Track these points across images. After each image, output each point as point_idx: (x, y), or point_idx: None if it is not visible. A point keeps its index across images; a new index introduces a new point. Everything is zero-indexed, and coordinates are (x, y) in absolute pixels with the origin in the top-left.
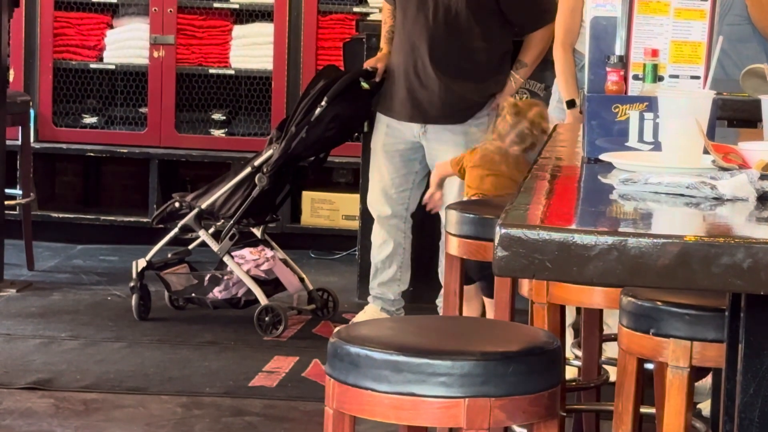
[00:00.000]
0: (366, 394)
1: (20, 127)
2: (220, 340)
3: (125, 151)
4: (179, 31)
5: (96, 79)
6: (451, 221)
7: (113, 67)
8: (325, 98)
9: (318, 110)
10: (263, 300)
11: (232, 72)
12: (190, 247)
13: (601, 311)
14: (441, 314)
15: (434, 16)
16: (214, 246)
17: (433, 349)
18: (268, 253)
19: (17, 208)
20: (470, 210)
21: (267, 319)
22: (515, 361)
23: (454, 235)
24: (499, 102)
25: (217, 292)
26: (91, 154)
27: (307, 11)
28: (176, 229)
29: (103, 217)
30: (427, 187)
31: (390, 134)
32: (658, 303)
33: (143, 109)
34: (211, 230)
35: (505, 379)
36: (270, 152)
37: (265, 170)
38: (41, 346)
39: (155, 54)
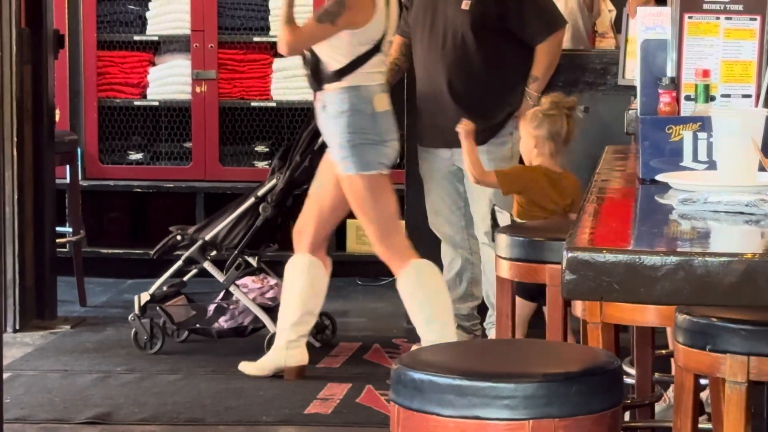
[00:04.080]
0: (431, 419)
1: (68, 166)
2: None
3: (171, 185)
4: (220, 65)
5: (140, 115)
6: (501, 244)
7: (157, 103)
8: None
9: (320, 139)
10: (272, 327)
11: (273, 104)
12: (186, 278)
13: (652, 329)
14: (490, 336)
15: (444, 43)
16: (220, 276)
17: (496, 373)
18: (271, 280)
19: (68, 245)
20: (521, 233)
21: None
22: (577, 382)
23: (505, 258)
24: (519, 118)
25: (223, 322)
26: (138, 190)
27: None
28: (180, 262)
29: (151, 251)
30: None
31: (427, 160)
32: (714, 319)
33: (187, 144)
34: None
35: (569, 399)
36: (273, 182)
37: (269, 200)
38: (98, 380)
39: (198, 89)
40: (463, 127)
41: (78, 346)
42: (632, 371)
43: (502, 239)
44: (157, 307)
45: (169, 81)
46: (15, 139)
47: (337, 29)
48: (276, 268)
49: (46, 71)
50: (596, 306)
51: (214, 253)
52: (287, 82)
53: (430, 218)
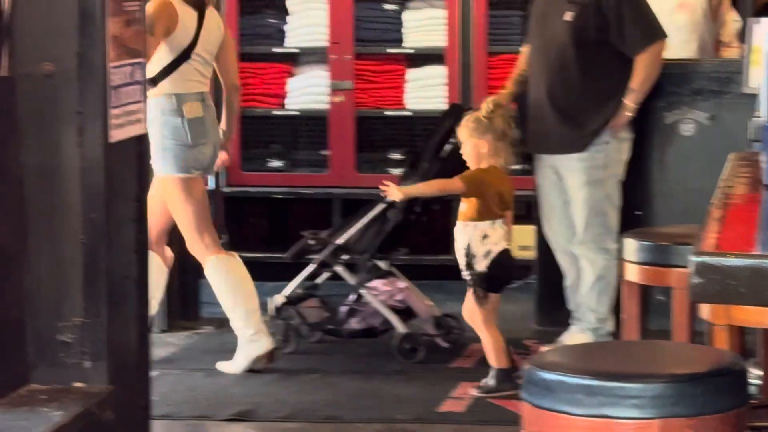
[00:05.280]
0: (561, 417)
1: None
2: (406, 369)
3: (309, 192)
4: (357, 76)
5: (280, 124)
6: (629, 249)
7: (296, 113)
8: (455, 135)
9: (448, 146)
10: (401, 329)
11: (407, 113)
12: (319, 281)
13: None
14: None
15: (548, 53)
16: (351, 279)
17: (624, 373)
18: (400, 283)
19: None
20: (648, 238)
21: (407, 346)
22: (704, 382)
23: (632, 262)
24: (614, 128)
25: (354, 323)
26: (278, 196)
27: (477, 53)
28: (314, 265)
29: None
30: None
31: (538, 166)
32: None
33: (325, 152)
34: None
35: (696, 399)
36: None
37: (398, 205)
38: (240, 379)
39: (335, 99)
40: (388, 189)
41: (221, 346)
42: (758, 372)
43: (630, 244)
44: (291, 309)
45: (308, 91)
46: None
47: (157, 40)
48: (406, 271)
49: None
50: (722, 308)
51: (345, 256)
52: (420, 91)
53: (543, 225)
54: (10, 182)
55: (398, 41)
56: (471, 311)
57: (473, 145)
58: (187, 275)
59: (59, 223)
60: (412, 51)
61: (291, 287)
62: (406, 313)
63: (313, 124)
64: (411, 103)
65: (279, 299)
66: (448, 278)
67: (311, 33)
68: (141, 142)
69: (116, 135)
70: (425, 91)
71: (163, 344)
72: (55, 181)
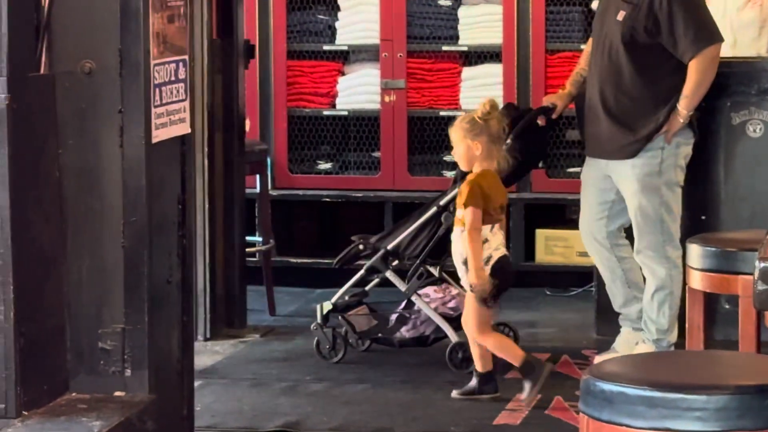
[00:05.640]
0: (621, 430)
1: (258, 176)
2: (459, 380)
3: (360, 195)
4: (409, 75)
5: (329, 125)
6: (693, 255)
7: (346, 113)
8: (511, 136)
9: (503, 147)
10: (454, 337)
11: (462, 113)
12: (368, 287)
13: None
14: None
15: (602, 56)
16: (402, 286)
17: (686, 384)
18: (453, 290)
19: (257, 255)
20: (713, 244)
21: (459, 355)
22: None
23: (696, 269)
24: (667, 135)
25: (405, 331)
26: (327, 200)
27: (535, 50)
28: (362, 271)
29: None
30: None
31: (587, 167)
32: None
33: (376, 153)
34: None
35: (762, 412)
36: (455, 191)
37: (451, 209)
38: (287, 389)
39: (386, 98)
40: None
41: (267, 355)
42: None
43: (694, 250)
44: (339, 317)
45: (358, 90)
46: (206, 148)
47: None
48: (457, 278)
49: (237, 81)
50: None
51: (396, 262)
52: (476, 90)
53: (580, 224)
54: (49, 184)
55: (453, 38)
56: (465, 317)
57: (466, 146)
58: (233, 282)
59: (100, 226)
60: (467, 48)
61: (339, 294)
62: (458, 321)
63: (363, 124)
64: (466, 103)
65: (326, 306)
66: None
67: (362, 30)
68: (184, 143)
69: (159, 135)
70: (481, 90)
71: (208, 352)
72: (96, 183)
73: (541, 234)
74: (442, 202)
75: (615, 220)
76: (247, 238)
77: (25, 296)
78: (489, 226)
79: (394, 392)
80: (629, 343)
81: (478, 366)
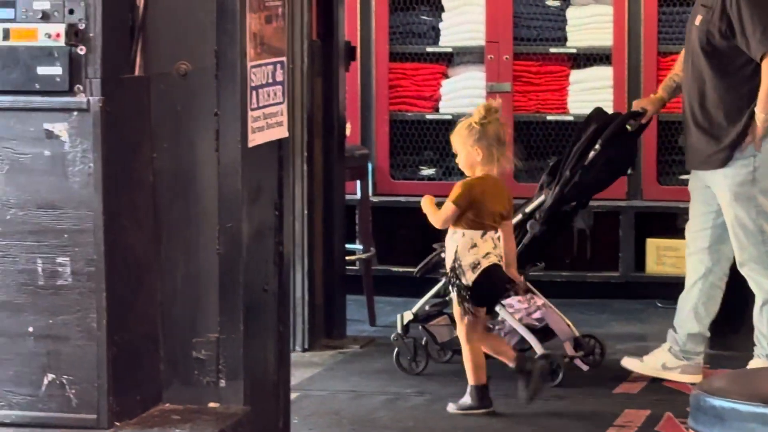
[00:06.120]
0: None
1: (358, 181)
2: (568, 394)
3: None
4: (515, 78)
5: (432, 129)
6: None
7: (450, 117)
8: (599, 141)
9: (592, 154)
10: (539, 349)
11: (570, 118)
12: (450, 297)
13: None
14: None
15: (687, 63)
16: None
17: None
18: (538, 300)
19: (357, 263)
20: None
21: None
22: None
23: None
24: (752, 141)
25: None
26: None
27: (647, 53)
28: (444, 280)
29: (441, 270)
30: None
31: (692, 176)
32: None
33: None
34: None
35: None
36: (542, 198)
37: (537, 216)
38: (387, 402)
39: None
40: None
41: (367, 366)
42: None
43: None
44: (420, 327)
45: (463, 94)
46: (305, 153)
47: None
48: (542, 287)
49: (337, 84)
50: None
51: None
52: (584, 94)
53: (686, 233)
54: (143, 189)
55: (561, 40)
56: (457, 323)
57: (467, 153)
58: (332, 291)
59: (194, 232)
60: (575, 51)
61: (420, 304)
62: (542, 332)
63: None
64: (574, 107)
65: (407, 316)
66: (586, 296)
67: (467, 31)
68: (281, 147)
69: (255, 138)
70: (590, 94)
71: (306, 364)
72: (191, 188)
73: (651, 243)
74: (528, 210)
75: (719, 230)
76: (347, 246)
77: (117, 304)
78: (480, 232)
79: (496, 405)
80: (659, 360)
81: (471, 379)
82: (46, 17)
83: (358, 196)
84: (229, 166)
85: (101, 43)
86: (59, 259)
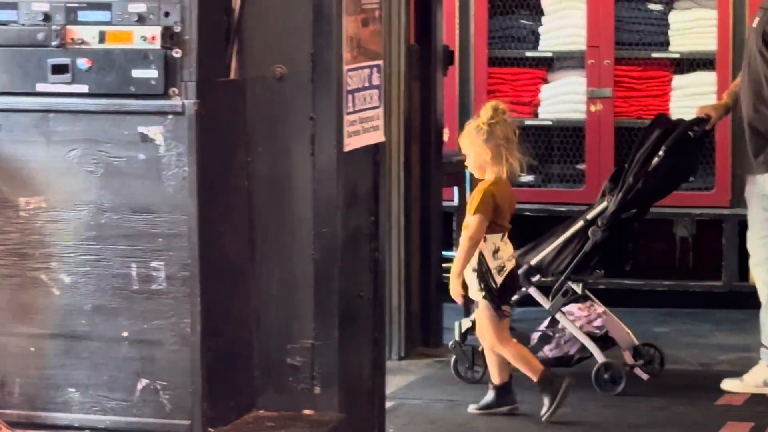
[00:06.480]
0: None
1: (456, 188)
2: (669, 406)
3: (563, 209)
4: (617, 83)
5: (532, 135)
6: None
7: (549, 122)
8: (663, 147)
9: (656, 160)
10: (600, 358)
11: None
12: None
13: None
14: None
15: (744, 67)
16: (546, 303)
17: None
18: (599, 308)
19: None
20: None
21: (606, 376)
22: None
23: None
24: None
25: (548, 351)
26: (528, 213)
27: None
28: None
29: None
30: None
31: (749, 183)
32: None
33: (581, 166)
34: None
35: None
36: (604, 204)
37: (599, 223)
38: (484, 412)
39: (592, 108)
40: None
41: None
42: None
43: None
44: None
45: (562, 99)
46: (402, 158)
47: None
48: (601, 295)
49: (435, 88)
50: None
51: (538, 278)
52: (687, 100)
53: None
54: (238, 193)
55: (664, 44)
56: (480, 327)
57: (476, 154)
58: (428, 298)
59: (289, 237)
60: (678, 55)
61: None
62: (604, 340)
63: (567, 135)
64: (677, 113)
65: (465, 324)
66: (688, 306)
67: (567, 35)
68: (378, 152)
69: (351, 143)
70: (693, 99)
71: (402, 372)
72: (286, 193)
73: None
74: (589, 216)
75: None
76: (444, 253)
77: (212, 309)
78: (500, 235)
79: (594, 417)
80: (759, 377)
81: (495, 378)
82: (141, 20)
83: (456, 202)
84: (325, 170)
85: (197, 46)
86: (153, 264)
